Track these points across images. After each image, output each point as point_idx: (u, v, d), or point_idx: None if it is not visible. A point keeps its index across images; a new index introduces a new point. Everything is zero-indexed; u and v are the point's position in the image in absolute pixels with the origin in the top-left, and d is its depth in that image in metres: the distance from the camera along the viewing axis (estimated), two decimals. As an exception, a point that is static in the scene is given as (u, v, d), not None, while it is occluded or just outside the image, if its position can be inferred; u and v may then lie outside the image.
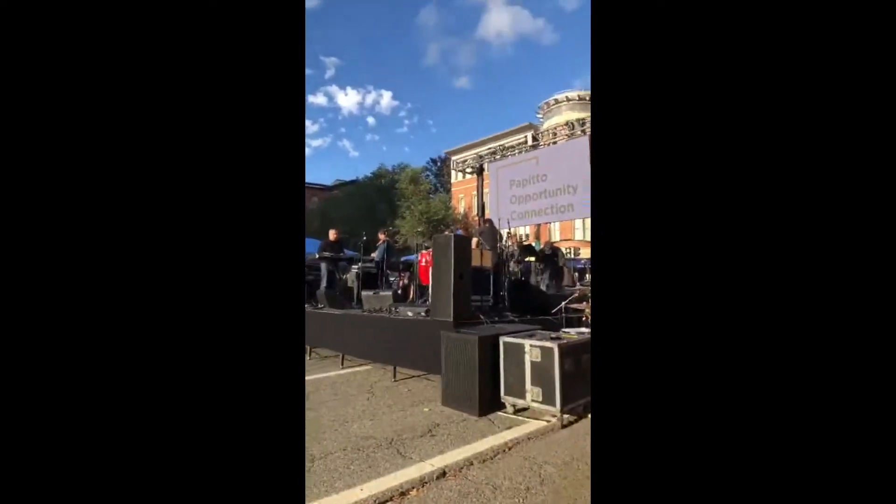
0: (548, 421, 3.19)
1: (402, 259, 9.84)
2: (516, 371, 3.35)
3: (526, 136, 10.06)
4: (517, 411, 3.40)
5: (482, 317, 4.33)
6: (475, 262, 4.97)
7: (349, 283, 7.48)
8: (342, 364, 5.49)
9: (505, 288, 5.95)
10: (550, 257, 8.00)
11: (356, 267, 7.41)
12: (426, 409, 3.60)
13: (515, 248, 7.33)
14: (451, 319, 4.01)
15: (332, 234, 7.95)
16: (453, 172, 27.87)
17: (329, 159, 77.08)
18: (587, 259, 11.86)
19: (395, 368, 4.77)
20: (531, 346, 3.26)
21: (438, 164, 36.03)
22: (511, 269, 6.48)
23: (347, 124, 78.59)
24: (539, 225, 9.98)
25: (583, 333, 3.54)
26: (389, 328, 4.80)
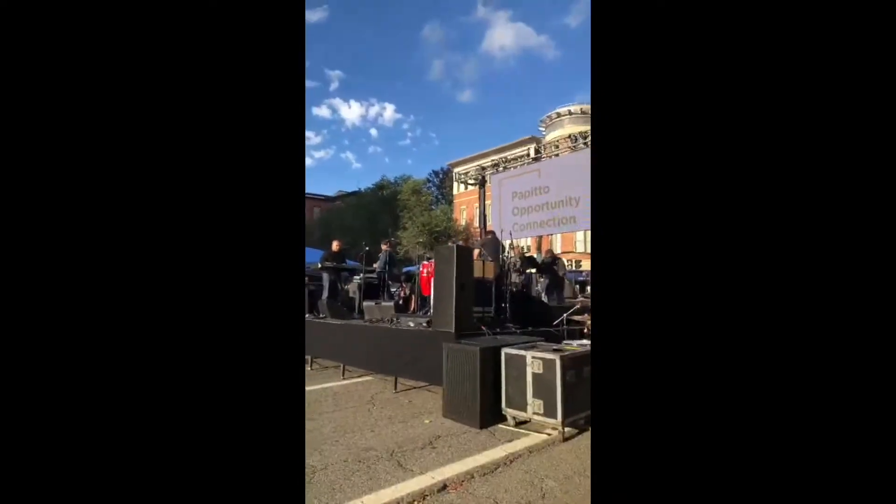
0: (549, 434, 3.17)
1: (404, 270, 9.85)
2: (518, 383, 3.34)
3: (529, 149, 10.13)
4: (518, 424, 3.38)
5: (484, 328, 4.32)
6: (477, 273, 4.97)
7: (351, 294, 7.48)
8: (343, 375, 5.47)
9: (507, 299, 5.94)
10: (550, 266, 7.99)
11: (358, 277, 7.42)
12: (427, 421, 3.57)
13: (517, 259, 7.33)
14: (453, 330, 4.00)
15: (334, 245, 7.98)
16: (455, 184, 28.00)
17: (332, 170, 77.70)
18: (588, 271, 11.83)
19: (396, 379, 4.74)
20: (533, 357, 3.25)
21: (441, 175, 36.22)
22: (513, 280, 6.48)
23: (350, 136, 79.36)
24: (541, 237, 9.98)
25: (584, 346, 3.53)
26: (391, 339, 4.79)
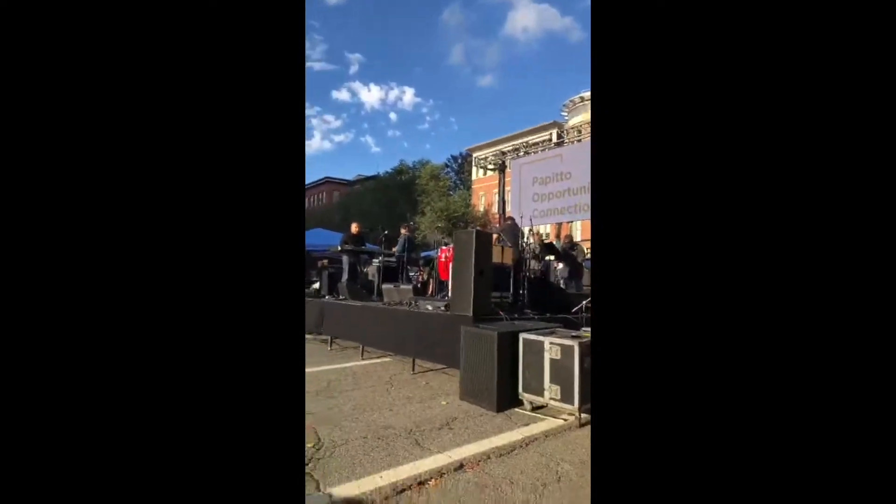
0: (565, 419, 3.19)
1: (422, 254, 9.90)
2: (535, 368, 3.35)
3: (550, 134, 9.98)
4: (535, 408, 3.40)
5: (502, 313, 4.34)
6: (496, 258, 4.97)
7: (370, 276, 7.58)
8: (362, 355, 5.58)
9: (525, 285, 5.94)
10: (569, 252, 7.92)
11: (377, 260, 7.50)
12: (444, 403, 3.63)
13: (537, 245, 7.29)
14: (471, 315, 4.03)
15: (353, 227, 8.05)
16: (475, 169, 27.80)
17: (351, 154, 77.86)
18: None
19: (414, 361, 4.82)
20: (551, 343, 3.26)
21: (459, 161, 35.98)
22: (532, 266, 6.46)
23: (370, 119, 79.08)
24: (560, 224, 9.89)
25: (604, 333, 3.51)
26: (409, 321, 4.85)
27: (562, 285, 7.36)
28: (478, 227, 12.55)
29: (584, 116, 22.47)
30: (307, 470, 2.30)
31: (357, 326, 5.75)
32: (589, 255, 7.91)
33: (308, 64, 74.73)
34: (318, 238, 10.12)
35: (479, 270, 4.13)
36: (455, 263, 4.46)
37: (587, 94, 27.86)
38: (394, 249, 8.02)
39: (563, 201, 8.66)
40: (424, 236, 22.32)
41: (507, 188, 11.32)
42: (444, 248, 7.02)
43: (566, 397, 3.13)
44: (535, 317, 4.79)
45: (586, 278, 7.88)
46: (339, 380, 4.39)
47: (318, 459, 2.44)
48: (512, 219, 7.62)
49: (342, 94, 78.82)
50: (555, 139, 9.66)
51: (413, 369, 4.77)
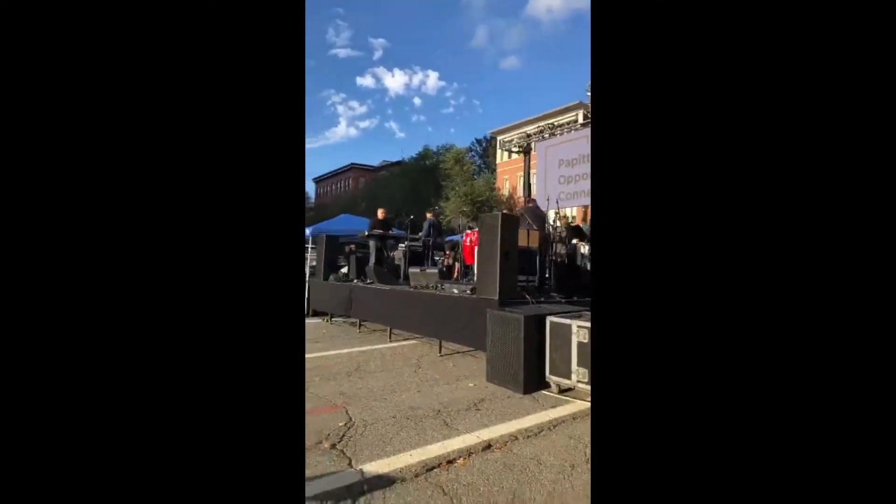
0: (594, 402, 3.18)
1: (447, 239, 9.92)
2: (562, 351, 3.34)
3: (576, 115, 9.73)
4: (562, 391, 3.40)
5: (528, 296, 4.32)
6: (522, 242, 4.94)
7: (396, 261, 7.66)
8: (390, 338, 5.68)
9: (551, 269, 5.88)
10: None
11: (403, 245, 7.56)
12: (471, 385, 3.67)
13: (564, 228, 7.19)
14: (497, 298, 4.03)
15: (380, 213, 8.13)
16: (499, 152, 27.46)
17: (376, 140, 77.89)
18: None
19: (440, 343, 4.88)
20: (579, 326, 3.23)
21: (483, 144, 35.56)
22: (557, 250, 6.38)
23: (394, 105, 78.67)
24: (587, 206, 9.69)
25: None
26: (436, 304, 4.89)
27: (588, 268, 7.25)
28: (504, 210, 12.45)
29: (612, 95, 21.64)
30: (339, 447, 2.38)
31: (384, 309, 5.85)
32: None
33: (333, 51, 74.61)
34: (345, 224, 10.25)
35: (504, 253, 4.11)
36: (481, 247, 4.45)
37: (616, 72, 26.82)
38: (419, 234, 8.07)
39: (590, 183, 8.46)
40: (449, 221, 22.28)
41: (533, 171, 11.15)
42: (469, 231, 7.01)
43: (594, 380, 3.11)
44: (562, 300, 4.75)
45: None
46: (368, 361, 4.49)
47: (350, 438, 2.52)
48: (534, 200, 7.51)
49: (366, 81, 78.83)
50: (581, 120, 9.41)
51: (440, 351, 4.83)
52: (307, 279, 8.26)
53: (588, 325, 3.18)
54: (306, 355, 4.74)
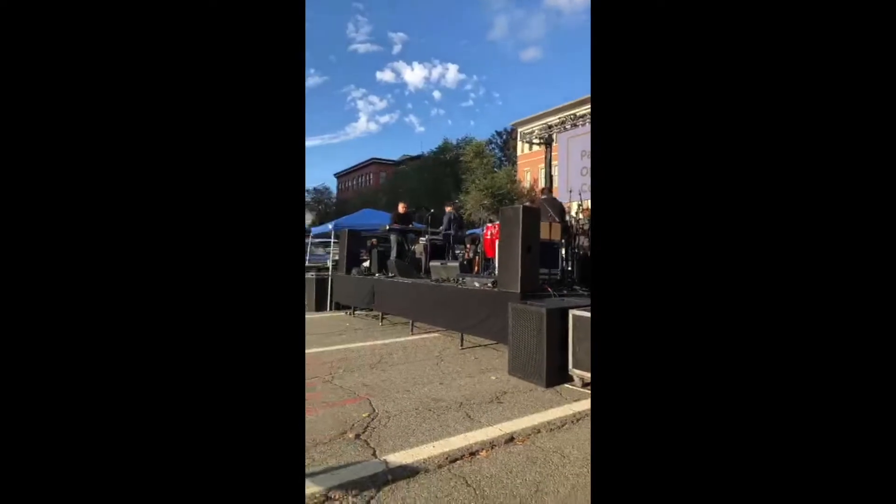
0: (618, 396, 3.14)
1: (468, 232, 9.91)
2: (585, 345, 3.30)
3: (599, 104, 9.51)
4: (585, 385, 3.37)
5: (549, 289, 4.28)
6: (543, 235, 4.88)
7: (417, 254, 7.69)
8: (412, 331, 5.73)
9: (573, 261, 5.81)
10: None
11: (424, 238, 7.59)
12: (493, 378, 3.67)
13: (586, 221, 7.08)
14: (519, 291, 4.00)
15: (401, 207, 8.17)
16: (520, 144, 27.15)
17: (396, 135, 77.73)
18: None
19: (462, 336, 4.89)
20: (602, 319, 3.19)
21: (504, 136, 35.19)
22: (580, 242, 6.29)
23: (414, 99, 78.42)
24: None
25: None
26: (457, 297, 4.90)
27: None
28: (526, 203, 12.33)
29: (636, 83, 21.10)
30: (363, 438, 2.42)
31: (406, 303, 5.89)
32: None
33: (353, 46, 74.91)
34: (366, 218, 10.35)
35: (526, 247, 4.07)
36: (502, 240, 4.43)
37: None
38: (440, 228, 8.08)
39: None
40: (470, 214, 22.20)
41: (554, 162, 10.99)
42: (489, 225, 6.97)
43: (618, 374, 3.06)
44: (585, 293, 4.69)
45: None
46: (391, 354, 4.53)
47: (373, 429, 2.55)
48: (549, 190, 7.42)
49: (386, 75, 78.75)
50: (605, 109, 9.20)
51: (461, 344, 4.84)
52: (329, 273, 8.39)
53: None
54: (330, 347, 4.84)
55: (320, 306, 8.17)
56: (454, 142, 32.22)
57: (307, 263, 9.94)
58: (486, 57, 79.94)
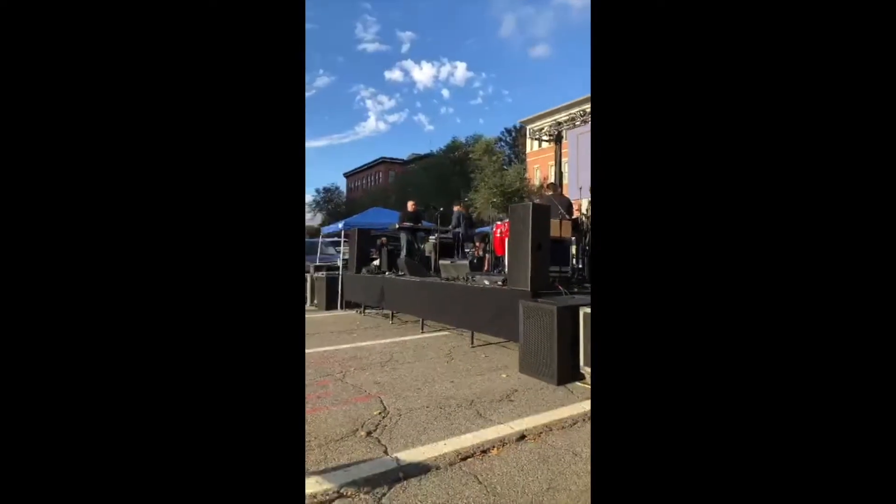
0: (630, 394, 3.11)
1: (478, 231, 9.90)
2: (597, 342, 3.28)
3: (610, 99, 9.42)
4: (597, 383, 3.35)
5: (560, 287, 4.26)
6: (553, 232, 4.85)
7: (427, 253, 7.71)
8: (422, 329, 5.74)
9: (584, 259, 5.77)
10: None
11: (433, 237, 7.60)
12: (504, 375, 3.66)
13: (596, 218, 7.01)
14: (529, 289, 3.99)
15: (410, 206, 8.19)
16: (529, 141, 27.02)
17: (405, 134, 77.67)
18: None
19: (472, 335, 4.88)
20: (614, 317, 3.16)
21: (513, 134, 35.05)
22: (590, 239, 6.24)
23: (423, 98, 78.33)
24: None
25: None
26: (467, 296, 4.90)
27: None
28: (535, 200, 12.28)
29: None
30: (374, 435, 2.43)
31: (417, 301, 5.90)
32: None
33: (361, 46, 75.12)
34: (376, 217, 10.38)
35: (536, 244, 4.05)
36: (512, 237, 4.41)
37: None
38: (449, 226, 8.08)
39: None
40: (479, 213, 22.16)
41: (564, 159, 10.92)
42: (499, 223, 6.96)
43: (630, 372, 3.04)
44: (596, 291, 4.64)
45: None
46: (402, 352, 4.55)
47: (385, 426, 2.56)
48: (554, 186, 7.38)
49: (394, 74, 78.90)
50: (615, 105, 9.11)
51: (472, 343, 4.84)
52: (339, 272, 8.43)
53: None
54: (342, 346, 4.87)
55: (331, 305, 8.22)
56: (463, 140, 32.23)
57: (317, 262, 10.00)
58: (495, 54, 79.65)
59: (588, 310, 3.39)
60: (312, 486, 1.87)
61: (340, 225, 9.96)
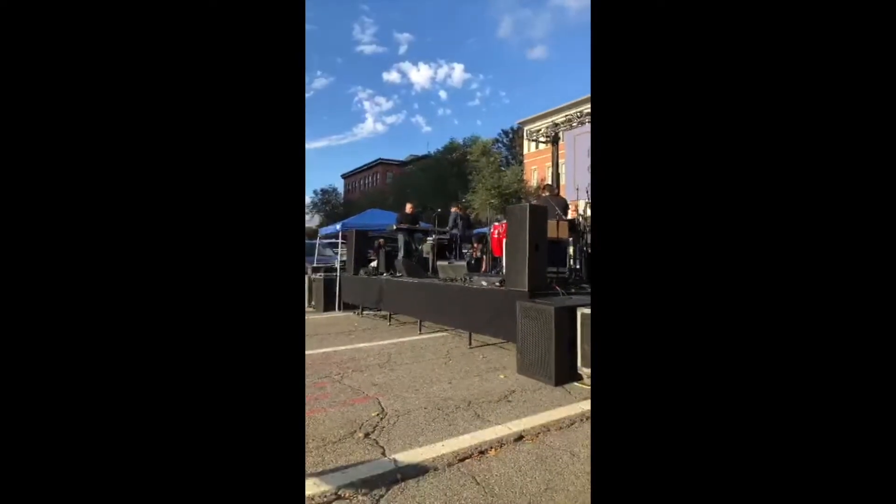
0: (628, 394, 3.12)
1: (475, 232, 9.90)
2: (595, 343, 3.28)
3: (606, 101, 9.45)
4: (595, 383, 3.35)
5: (558, 288, 4.26)
6: (551, 233, 4.86)
7: (424, 254, 7.70)
8: (420, 330, 5.73)
9: (581, 259, 5.78)
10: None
11: (431, 238, 7.60)
12: (502, 376, 3.67)
13: (593, 219, 7.03)
14: (527, 289, 3.99)
15: (408, 207, 8.19)
16: (526, 143, 27.08)
17: (403, 135, 77.55)
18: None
19: (470, 335, 4.89)
20: (611, 317, 3.17)
21: (510, 135, 35.07)
22: (588, 240, 6.25)
23: (420, 99, 78.29)
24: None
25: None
26: (465, 297, 4.90)
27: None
28: (533, 201, 12.29)
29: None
30: (372, 437, 2.43)
31: (414, 302, 5.90)
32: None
33: (359, 48, 75.07)
34: (374, 218, 10.37)
35: (534, 245, 4.06)
36: (509, 238, 4.42)
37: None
38: (447, 228, 8.08)
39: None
40: (477, 214, 22.17)
41: (561, 161, 10.94)
42: (496, 224, 6.96)
43: (628, 372, 3.04)
44: (594, 291, 4.65)
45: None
46: (400, 353, 4.55)
47: (383, 428, 2.56)
48: (550, 187, 7.41)
49: (392, 76, 78.83)
50: (612, 106, 9.14)
51: (470, 344, 4.84)
52: (337, 274, 8.42)
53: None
54: (339, 347, 4.86)
55: (329, 306, 8.21)
56: (461, 141, 32.25)
57: (315, 264, 9.98)
58: (492, 56, 79.78)
59: (585, 310, 3.39)
60: (310, 487, 1.87)
61: (338, 226, 9.96)
